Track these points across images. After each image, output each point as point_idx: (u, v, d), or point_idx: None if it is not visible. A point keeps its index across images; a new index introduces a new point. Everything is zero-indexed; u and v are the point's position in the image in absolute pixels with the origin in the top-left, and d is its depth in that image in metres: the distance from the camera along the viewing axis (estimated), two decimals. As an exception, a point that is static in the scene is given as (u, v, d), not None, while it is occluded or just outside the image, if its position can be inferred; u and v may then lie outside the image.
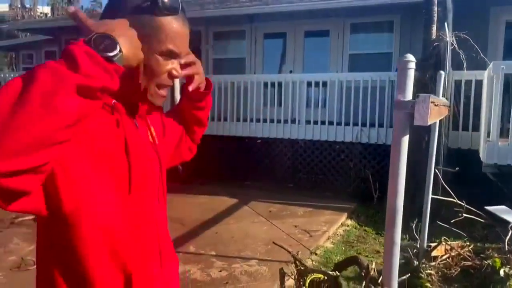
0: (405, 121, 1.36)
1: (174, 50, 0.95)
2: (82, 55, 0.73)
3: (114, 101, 0.91)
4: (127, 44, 0.83)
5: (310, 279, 1.83)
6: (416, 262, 3.43)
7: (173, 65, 0.97)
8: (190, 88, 1.07)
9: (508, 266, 3.39)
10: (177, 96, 7.25)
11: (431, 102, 1.34)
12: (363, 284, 1.63)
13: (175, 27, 0.93)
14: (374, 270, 1.65)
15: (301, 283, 1.89)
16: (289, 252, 2.19)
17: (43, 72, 0.70)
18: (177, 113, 1.27)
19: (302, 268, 1.94)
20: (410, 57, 1.34)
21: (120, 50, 0.79)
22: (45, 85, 0.68)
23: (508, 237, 3.58)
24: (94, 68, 0.73)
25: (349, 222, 5.40)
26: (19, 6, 21.14)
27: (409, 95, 1.34)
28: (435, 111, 1.61)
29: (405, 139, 1.36)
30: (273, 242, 2.71)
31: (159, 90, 0.97)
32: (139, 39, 0.89)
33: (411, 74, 1.34)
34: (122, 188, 0.89)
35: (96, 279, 0.86)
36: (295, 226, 4.99)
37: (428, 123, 1.34)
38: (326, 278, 1.79)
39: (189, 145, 1.31)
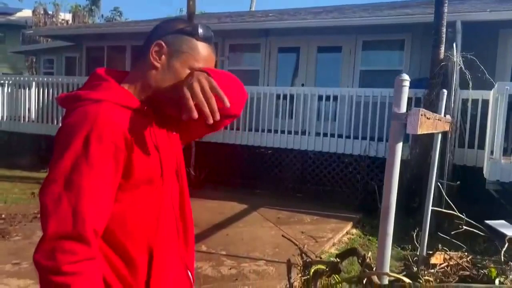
0: (399, 129, 1.61)
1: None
2: None
3: (145, 107, 1.12)
4: None
5: (314, 269, 2.06)
6: (415, 268, 3.62)
7: None
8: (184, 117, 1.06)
9: (504, 276, 3.56)
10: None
11: (421, 115, 1.59)
12: (360, 268, 1.87)
13: (207, 52, 1.18)
14: (370, 259, 1.89)
15: (306, 273, 2.12)
16: (296, 244, 2.42)
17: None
18: None
19: (307, 260, 2.18)
20: (405, 76, 1.60)
21: None
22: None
23: (504, 249, 3.75)
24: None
25: (354, 231, 5.61)
26: (42, 12, 21.85)
27: (403, 108, 1.59)
28: (428, 123, 1.86)
29: (399, 145, 1.61)
30: (283, 235, 2.94)
31: None
32: (177, 54, 1.14)
33: (406, 90, 1.60)
34: (154, 180, 1.11)
35: (129, 257, 1.08)
36: (302, 232, 5.21)
37: (419, 133, 1.59)
38: (328, 268, 2.02)
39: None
